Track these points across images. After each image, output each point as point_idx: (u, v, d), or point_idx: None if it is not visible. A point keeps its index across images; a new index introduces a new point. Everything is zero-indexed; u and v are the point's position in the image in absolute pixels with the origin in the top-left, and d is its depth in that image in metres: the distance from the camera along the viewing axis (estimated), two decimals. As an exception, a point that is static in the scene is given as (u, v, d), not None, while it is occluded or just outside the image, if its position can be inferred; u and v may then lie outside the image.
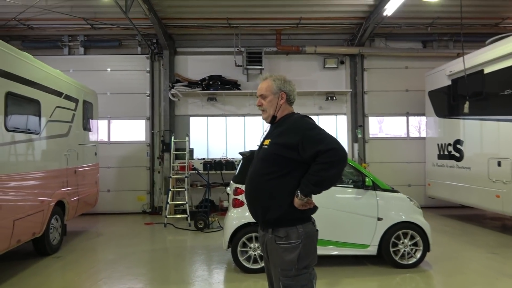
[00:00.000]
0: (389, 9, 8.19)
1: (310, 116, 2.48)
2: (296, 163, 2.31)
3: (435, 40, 10.41)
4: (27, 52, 5.87)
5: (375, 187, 4.99)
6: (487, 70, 6.89)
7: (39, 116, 5.55)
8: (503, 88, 6.52)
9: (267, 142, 2.45)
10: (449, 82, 8.21)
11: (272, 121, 2.53)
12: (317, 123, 2.44)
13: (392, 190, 5.14)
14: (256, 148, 2.69)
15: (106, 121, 10.01)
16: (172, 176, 8.91)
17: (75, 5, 8.46)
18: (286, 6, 8.66)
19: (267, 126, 2.61)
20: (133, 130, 10.25)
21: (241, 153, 5.72)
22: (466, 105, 5.26)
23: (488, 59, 6.67)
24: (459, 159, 7.91)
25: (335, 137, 2.31)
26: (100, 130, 9.36)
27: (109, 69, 10.12)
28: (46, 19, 9.04)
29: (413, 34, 10.23)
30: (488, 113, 6.72)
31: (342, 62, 10.35)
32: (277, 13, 8.96)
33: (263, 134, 2.61)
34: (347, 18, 9.35)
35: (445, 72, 8.28)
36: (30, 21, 9.23)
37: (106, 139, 10.04)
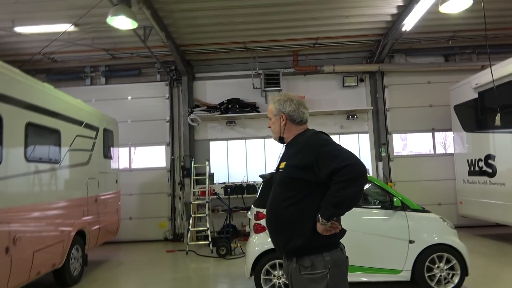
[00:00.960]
0: (408, 24, 8.03)
1: (324, 132, 2.33)
2: (314, 185, 2.15)
3: (457, 53, 10.14)
4: (51, 84, 6.00)
5: (404, 207, 4.71)
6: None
7: (60, 145, 5.59)
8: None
9: (282, 165, 2.34)
10: (475, 95, 7.88)
11: (282, 141, 2.47)
12: (333, 139, 2.28)
13: (423, 210, 4.83)
14: (274, 171, 2.59)
15: (127, 149, 10.08)
16: (193, 202, 8.79)
17: (96, 36, 8.68)
18: (303, 27, 8.64)
19: (282, 148, 2.52)
20: (153, 157, 10.27)
21: (261, 176, 5.57)
22: (498, 118, 4.97)
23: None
24: (491, 175, 7.48)
25: (352, 152, 2.13)
26: (121, 158, 9.43)
27: (129, 97, 10.28)
28: (69, 51, 9.32)
29: (433, 48, 10.00)
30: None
31: (361, 80, 10.18)
32: (294, 34, 8.95)
33: (279, 156, 2.50)
34: (365, 36, 9.24)
35: (470, 85, 7.97)
36: (54, 54, 9.53)
37: (127, 166, 10.08)
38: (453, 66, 10.02)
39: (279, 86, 9.67)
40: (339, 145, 2.19)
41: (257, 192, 9.01)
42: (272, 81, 9.71)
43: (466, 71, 9.45)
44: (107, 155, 7.61)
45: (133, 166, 10.18)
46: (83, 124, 6.51)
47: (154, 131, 10.18)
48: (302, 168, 2.16)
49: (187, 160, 9.81)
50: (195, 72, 10.33)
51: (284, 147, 2.50)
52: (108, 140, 7.72)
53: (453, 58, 10.21)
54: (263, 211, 4.49)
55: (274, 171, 2.52)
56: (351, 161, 2.05)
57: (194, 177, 9.12)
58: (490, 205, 7.58)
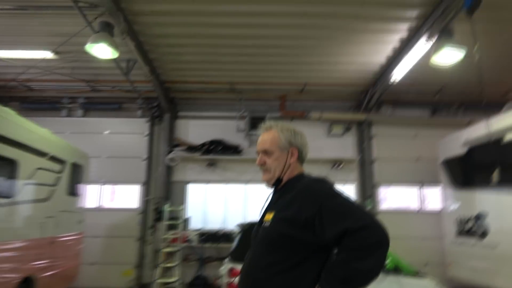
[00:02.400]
0: (397, 75, 7.94)
1: (327, 179, 1.84)
2: (311, 247, 1.64)
3: (443, 108, 10.10)
4: (25, 113, 5.49)
5: (397, 270, 4.19)
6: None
7: (15, 177, 4.97)
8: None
9: (269, 216, 1.79)
10: (465, 150, 7.65)
11: (276, 184, 1.90)
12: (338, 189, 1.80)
13: (419, 274, 4.32)
14: (257, 223, 2.02)
15: (98, 186, 9.39)
16: (162, 250, 8.03)
17: (77, 66, 8.29)
18: (291, 71, 8.48)
19: (270, 193, 1.99)
20: (126, 196, 9.58)
21: (239, 225, 5.02)
22: (495, 174, 4.65)
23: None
24: (483, 235, 7.06)
25: (367, 209, 1.66)
26: (91, 196, 8.74)
27: (106, 132, 9.75)
28: (47, 80, 8.86)
29: (421, 101, 9.94)
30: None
31: (348, 129, 9.96)
32: (282, 77, 8.76)
33: (265, 204, 1.97)
34: (353, 84, 9.13)
35: (460, 139, 7.77)
36: (31, 82, 9.06)
37: (96, 206, 9.33)
38: (440, 120, 9.93)
39: (264, 130, 9.33)
40: (350, 199, 1.69)
41: (233, 241, 8.36)
42: (257, 124, 9.36)
43: (452, 126, 9.33)
44: (73, 192, 6.96)
45: (103, 205, 9.42)
46: (48, 156, 5.93)
47: (129, 169, 9.57)
48: (298, 223, 1.65)
49: (162, 203, 9.14)
50: (178, 110, 9.96)
51: (272, 193, 1.96)
52: (76, 176, 7.11)
53: (439, 112, 10.16)
54: (239, 266, 3.90)
55: (257, 223, 1.96)
56: (370, 222, 1.56)
57: (167, 221, 8.42)
58: (482, 269, 7.09)
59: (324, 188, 1.74)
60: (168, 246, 8.32)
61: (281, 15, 6.35)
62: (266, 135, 1.97)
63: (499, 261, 6.58)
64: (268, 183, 1.93)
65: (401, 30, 6.81)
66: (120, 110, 9.92)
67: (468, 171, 7.69)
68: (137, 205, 9.45)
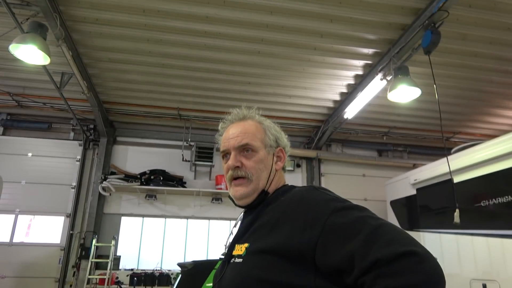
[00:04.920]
0: (349, 113, 7.89)
1: (324, 188, 1.29)
2: None
3: (389, 150, 10.27)
4: None
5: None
6: (457, 179, 6.38)
7: None
8: (478, 200, 5.94)
9: (240, 249, 1.17)
10: (414, 192, 7.63)
11: (257, 202, 1.30)
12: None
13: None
14: (222, 260, 1.35)
15: (12, 216, 8.04)
16: (85, 293, 6.89)
17: (1, 76, 7.25)
18: (243, 101, 7.94)
19: (240, 215, 1.41)
20: (47, 230, 8.27)
21: (180, 265, 4.27)
22: (457, 214, 4.47)
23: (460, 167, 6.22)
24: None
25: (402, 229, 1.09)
26: (2, 227, 7.42)
27: (30, 154, 8.53)
28: (-39, 90, 7.67)
29: (368, 142, 10.05)
30: (465, 227, 5.99)
31: (298, 165, 9.70)
32: (233, 106, 8.13)
33: (231, 233, 1.38)
34: (306, 120, 8.96)
35: (409, 180, 7.74)
36: None
37: (7, 240, 7.92)
38: (387, 161, 10.04)
39: (212, 161, 8.76)
40: (370, 212, 1.14)
41: (171, 284, 7.40)
42: (204, 155, 8.77)
43: (398, 168, 9.51)
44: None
45: (16, 239, 8.03)
46: None
47: (54, 198, 8.34)
48: (287, 256, 1.06)
49: (89, 237, 7.99)
50: (117, 134, 9.05)
51: (242, 215, 1.36)
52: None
53: (386, 153, 10.31)
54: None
55: (222, 262, 1.30)
56: (413, 247, 0.96)
57: (94, 259, 7.32)
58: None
59: (327, 198, 1.18)
60: (92, 289, 7.18)
61: (237, 39, 6.02)
62: (243, 125, 1.45)
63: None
64: (246, 199, 1.31)
65: (357, 67, 6.79)
66: (49, 130, 8.80)
67: (416, 212, 7.63)
68: (59, 240, 8.18)
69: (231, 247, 1.24)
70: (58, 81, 6.85)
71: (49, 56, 5.00)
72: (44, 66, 5.92)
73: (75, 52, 6.12)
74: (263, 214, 1.24)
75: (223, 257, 1.40)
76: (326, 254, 1.03)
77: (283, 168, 1.42)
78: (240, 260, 1.15)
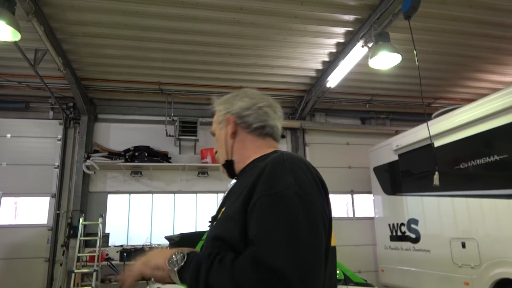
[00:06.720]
0: (331, 82, 7.88)
1: (304, 162, 1.28)
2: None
3: (372, 117, 10.37)
4: None
5: (346, 281, 3.85)
6: (437, 143, 6.53)
7: None
8: (458, 162, 6.12)
9: (221, 213, 1.28)
10: (396, 157, 7.80)
11: (231, 171, 1.39)
12: (312, 186, 1.25)
13: (366, 284, 4.03)
14: (206, 232, 1.54)
15: (-4, 199, 7.95)
16: (75, 270, 6.93)
17: (-29, 55, 6.96)
18: (225, 73, 8.00)
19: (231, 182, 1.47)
20: (33, 210, 8.22)
21: (167, 238, 4.32)
22: (436, 177, 4.60)
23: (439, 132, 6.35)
24: (415, 240, 7.16)
25: (315, 243, 1.08)
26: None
27: (9, 135, 8.33)
28: None
29: (352, 110, 10.12)
30: (446, 189, 6.18)
31: (283, 136, 9.66)
32: (215, 80, 8.24)
33: (224, 197, 1.43)
34: (289, 90, 8.94)
35: (391, 146, 7.90)
36: None
37: (-7, 222, 7.86)
38: (370, 129, 10.16)
39: (196, 135, 8.70)
40: (301, 214, 1.06)
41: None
42: (188, 129, 8.71)
43: (381, 135, 9.64)
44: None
45: (2, 222, 7.96)
46: None
47: (37, 179, 8.24)
48: (240, 223, 1.10)
49: (76, 216, 7.98)
50: (97, 112, 8.88)
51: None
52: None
53: (369, 121, 10.41)
54: (167, 288, 3.24)
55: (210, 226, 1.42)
56: (286, 267, 0.94)
57: (82, 238, 7.34)
58: (415, 274, 7.16)
59: (279, 175, 1.12)
60: (83, 266, 7.24)
61: (216, 8, 5.85)
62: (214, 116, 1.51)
63: (433, 266, 6.66)
64: (224, 174, 1.45)
65: (338, 34, 6.73)
66: (27, 110, 8.57)
67: (399, 178, 7.82)
68: (46, 220, 8.15)
69: (218, 211, 1.33)
70: (32, 58, 6.62)
71: (19, 32, 4.80)
72: (15, 43, 5.69)
73: (47, 27, 5.88)
74: (238, 182, 1.34)
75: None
76: (250, 218, 1.09)
77: (251, 129, 1.39)
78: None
